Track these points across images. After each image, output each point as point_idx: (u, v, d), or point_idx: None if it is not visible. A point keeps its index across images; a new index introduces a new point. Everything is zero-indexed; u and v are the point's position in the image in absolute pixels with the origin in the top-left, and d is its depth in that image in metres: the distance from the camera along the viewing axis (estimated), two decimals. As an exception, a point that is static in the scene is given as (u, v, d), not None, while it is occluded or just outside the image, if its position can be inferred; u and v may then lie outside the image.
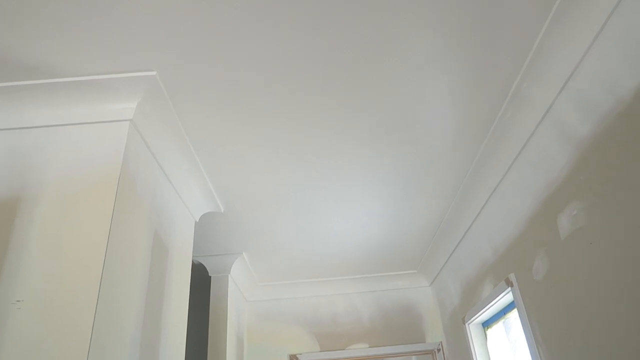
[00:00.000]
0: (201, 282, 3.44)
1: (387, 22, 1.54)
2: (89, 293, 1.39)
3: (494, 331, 2.99)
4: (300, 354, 3.84)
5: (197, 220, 2.55)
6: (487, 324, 3.06)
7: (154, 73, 1.66)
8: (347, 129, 2.06)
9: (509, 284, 2.37)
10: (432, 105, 1.96)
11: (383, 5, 1.47)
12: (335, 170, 2.40)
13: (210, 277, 3.34)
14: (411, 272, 4.08)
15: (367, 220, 3.00)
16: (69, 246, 1.46)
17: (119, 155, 1.63)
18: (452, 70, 1.77)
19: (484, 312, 2.82)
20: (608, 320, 1.62)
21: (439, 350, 3.83)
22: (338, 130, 2.08)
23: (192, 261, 3.33)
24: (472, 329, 3.10)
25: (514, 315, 2.64)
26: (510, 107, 1.95)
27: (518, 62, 1.76)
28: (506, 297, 2.54)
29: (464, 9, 1.51)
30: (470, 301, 3.06)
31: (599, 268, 1.64)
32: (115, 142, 1.66)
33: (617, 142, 1.49)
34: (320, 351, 3.86)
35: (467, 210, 2.76)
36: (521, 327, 2.31)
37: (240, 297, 3.78)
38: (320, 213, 2.84)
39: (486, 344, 3.07)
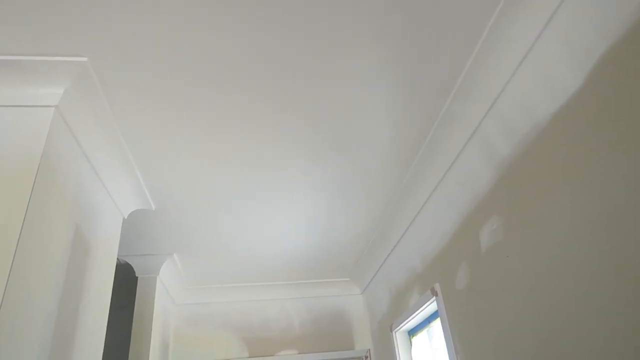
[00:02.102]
0: (127, 283, 3.29)
1: (326, 36, 1.57)
2: (-5, 285, 1.29)
3: (418, 339, 3.09)
4: (228, 359, 3.77)
5: (126, 217, 2.44)
6: (412, 332, 3.16)
7: (84, 59, 1.58)
8: (283, 137, 2.07)
9: (434, 293, 2.47)
10: (367, 120, 2.01)
11: (322, 19, 1.50)
12: (269, 177, 2.39)
13: (137, 277, 3.20)
14: (343, 280, 4.13)
15: (301, 227, 3.02)
16: (-24, 236, 1.35)
17: (41, 141, 1.54)
18: (387, 87, 1.83)
19: (410, 320, 2.91)
20: (518, 329, 1.72)
21: (366, 357, 3.90)
22: (274, 138, 2.08)
23: (119, 260, 3.19)
24: (399, 336, 3.19)
25: (437, 324, 2.75)
26: (441, 125, 2.05)
27: (450, 83, 1.85)
28: (431, 306, 2.64)
29: (400, 28, 1.57)
30: (398, 309, 3.14)
31: (513, 280, 1.75)
32: (37, 128, 1.56)
33: (533, 162, 1.61)
34: (249, 357, 3.81)
35: (399, 221, 2.85)
36: (442, 335, 2.41)
37: (169, 299, 3.65)
38: (254, 218, 2.82)
39: (411, 352, 3.17)
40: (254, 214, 2.78)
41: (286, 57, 1.65)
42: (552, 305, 1.52)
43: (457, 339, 2.24)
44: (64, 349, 1.66)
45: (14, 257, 1.34)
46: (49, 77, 1.59)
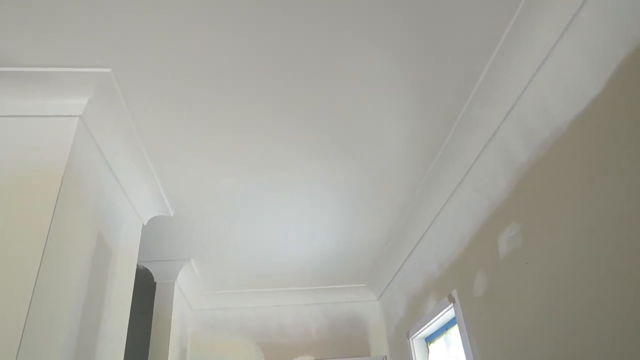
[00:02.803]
0: (146, 288, 3.34)
1: (343, 45, 1.58)
2: (23, 291, 1.33)
3: (436, 346, 3.07)
4: (244, 365, 3.78)
5: (145, 224, 2.49)
6: (429, 339, 3.14)
7: (108, 70, 1.62)
8: (296, 138, 2.09)
9: (451, 300, 2.45)
10: (383, 125, 2.02)
11: (339, 28, 1.52)
12: (286, 183, 2.42)
13: (156, 283, 3.25)
14: (360, 286, 4.12)
15: (317, 233, 3.03)
16: (7, 241, 1.40)
17: (65, 151, 1.58)
18: (403, 92, 1.83)
19: (427, 327, 2.89)
20: (537, 336, 1.70)
21: (383, 364, 3.88)
22: (291, 145, 2.10)
23: (138, 266, 3.24)
24: (416, 343, 3.17)
25: (454, 331, 2.73)
26: (458, 130, 2.04)
27: (468, 86, 1.85)
28: (448, 313, 2.62)
29: (416, 31, 1.58)
30: (415, 316, 3.13)
31: (532, 287, 1.74)
32: (62, 138, 1.61)
33: (551, 168, 1.60)
34: (265, 363, 3.82)
35: (415, 227, 2.84)
36: (460, 343, 2.39)
37: (186, 305, 3.69)
38: (271, 223, 2.84)
39: (428, 359, 3.14)
40: (270, 220, 2.80)
41: (303, 64, 1.67)
42: (572, 313, 1.51)
43: (475, 347, 2.22)
44: (88, 350, 1.70)
45: (40, 264, 1.38)
46: (73, 87, 1.64)
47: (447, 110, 1.96)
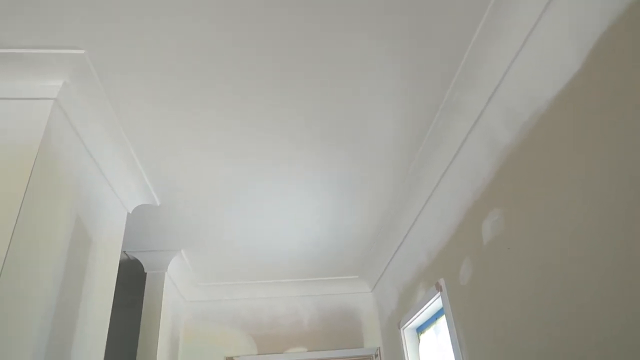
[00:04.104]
0: (136, 279, 3.33)
1: (330, 29, 1.56)
2: (-11, 273, 1.31)
3: (426, 336, 3.05)
4: (237, 356, 3.77)
5: (130, 212, 2.47)
6: (420, 329, 3.12)
7: (82, 52, 1.60)
8: (287, 131, 2.07)
9: (439, 288, 2.43)
10: (370, 113, 1.99)
11: (321, 11, 1.49)
12: (276, 171, 2.39)
13: (146, 273, 3.24)
14: (353, 278, 4.10)
15: (309, 224, 3.00)
16: (-27, 225, 1.38)
17: (39, 133, 1.56)
18: (389, 78, 1.80)
19: (417, 317, 2.87)
20: (523, 322, 1.68)
21: (376, 355, 3.86)
22: (278, 132, 2.08)
23: (127, 256, 3.23)
24: (407, 333, 3.15)
25: (443, 320, 2.70)
26: (443, 115, 2.01)
27: (450, 71, 1.81)
28: (437, 302, 2.60)
29: (400, 18, 1.55)
30: (406, 306, 3.11)
31: (516, 273, 1.71)
32: (36, 120, 1.59)
33: (535, 150, 1.57)
34: (258, 354, 3.81)
35: (405, 216, 2.81)
36: (447, 331, 2.37)
37: (178, 296, 3.68)
38: (262, 213, 2.82)
39: (418, 349, 3.12)
40: (260, 211, 2.78)
41: (290, 51, 1.64)
42: (555, 297, 1.48)
43: (461, 335, 2.19)
44: (63, 340, 1.68)
45: (8, 247, 1.36)
46: (47, 69, 1.62)
47: (432, 95, 1.93)
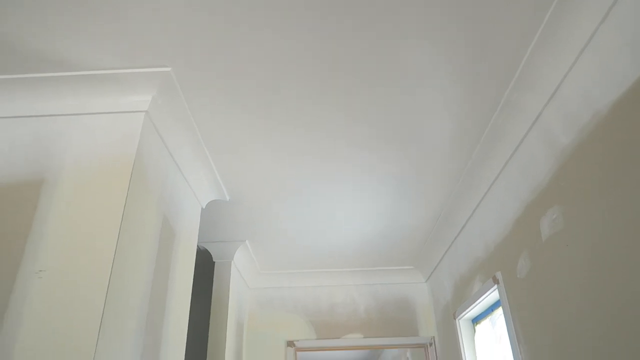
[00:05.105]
0: (205, 268, 3.60)
1: (388, 35, 1.66)
2: (102, 269, 1.54)
3: (482, 327, 3.12)
4: (297, 340, 4.00)
5: (204, 207, 2.70)
6: (476, 320, 3.19)
7: (168, 69, 1.80)
8: (346, 130, 2.20)
9: (496, 281, 2.49)
10: (429, 114, 2.08)
11: (384, 19, 1.59)
12: (336, 169, 2.54)
13: (214, 262, 3.50)
14: (408, 268, 4.20)
15: (365, 216, 3.14)
16: (86, 226, 1.61)
17: (134, 143, 1.78)
18: (447, 80, 1.89)
19: (473, 308, 2.94)
20: (580, 317, 1.74)
21: (431, 344, 3.96)
22: (337, 132, 2.21)
23: (198, 247, 3.50)
24: (462, 324, 3.23)
25: (499, 312, 2.77)
26: (501, 115, 2.07)
27: (509, 73, 1.87)
28: (493, 294, 2.66)
29: (459, 23, 1.63)
30: (462, 298, 3.18)
31: (574, 269, 1.76)
32: (130, 132, 1.81)
33: (593, 152, 1.61)
34: (317, 339, 4.01)
35: (461, 210, 2.88)
36: (504, 324, 2.44)
37: (243, 283, 3.94)
38: (321, 206, 2.98)
39: (474, 339, 3.20)
40: (319, 207, 2.95)
41: (351, 59, 1.77)
42: (613, 293, 1.53)
43: (518, 327, 2.26)
44: (157, 321, 1.92)
45: (116, 245, 1.58)
46: (139, 86, 1.83)
47: (490, 96, 1.99)
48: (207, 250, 3.49)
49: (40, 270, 1.54)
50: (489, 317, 2.96)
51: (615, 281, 1.52)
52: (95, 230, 1.61)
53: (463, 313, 3.10)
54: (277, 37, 1.67)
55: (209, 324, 3.33)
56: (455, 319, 3.28)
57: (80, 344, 1.43)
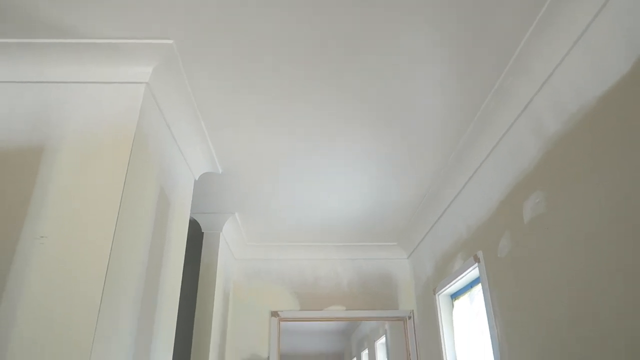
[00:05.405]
0: (194, 238, 3.65)
1: (382, 14, 1.70)
2: (104, 236, 1.58)
3: (460, 302, 3.27)
4: (281, 310, 4.12)
5: (197, 179, 2.73)
6: (455, 296, 3.34)
7: (171, 42, 1.81)
8: (338, 108, 2.24)
9: (477, 260, 2.62)
10: (421, 93, 2.14)
11: (380, 1, 1.63)
12: (325, 144, 2.59)
13: (203, 233, 3.55)
14: (391, 244, 4.33)
15: (353, 193, 3.22)
16: (87, 194, 1.65)
17: (135, 114, 1.80)
18: (442, 62, 1.94)
19: (453, 284, 3.08)
20: (554, 295, 1.86)
21: (409, 317, 4.13)
22: (330, 109, 2.25)
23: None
24: (441, 299, 3.38)
25: (478, 289, 2.91)
26: (493, 99, 2.14)
27: (504, 59, 1.93)
28: (473, 272, 2.79)
29: (457, 8, 1.67)
30: (442, 274, 3.32)
31: (552, 250, 1.88)
32: (131, 102, 1.82)
33: (578, 141, 1.70)
34: (300, 310, 4.14)
35: (447, 190, 2.98)
36: (483, 300, 2.57)
37: (230, 254, 4.01)
38: (310, 182, 3.04)
39: (452, 314, 3.35)
40: (310, 180, 3.01)
41: (345, 36, 1.80)
42: (588, 276, 1.65)
43: (496, 303, 2.39)
44: (153, 284, 1.98)
45: (118, 211, 1.63)
46: (141, 57, 1.83)
47: (484, 81, 2.05)
48: (196, 220, 3.53)
49: (42, 237, 1.58)
50: (468, 293, 3.11)
51: (590, 263, 1.63)
52: (97, 198, 1.64)
53: (443, 289, 3.24)
54: (282, 15, 1.69)
55: (196, 292, 3.41)
56: (435, 294, 3.42)
57: (83, 307, 1.48)
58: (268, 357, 3.97)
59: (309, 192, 3.20)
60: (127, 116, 1.79)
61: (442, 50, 1.87)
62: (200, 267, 3.45)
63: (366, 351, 7.57)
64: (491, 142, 2.35)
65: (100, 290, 1.50)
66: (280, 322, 4.11)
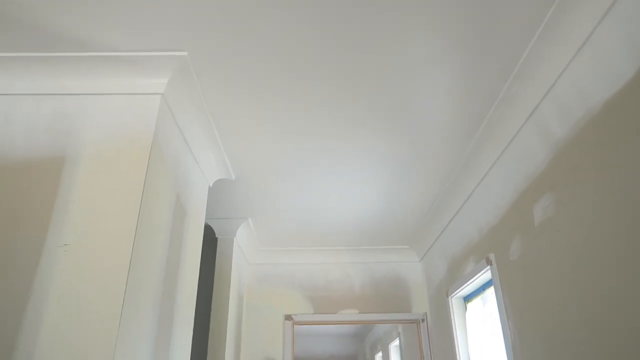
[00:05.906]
0: (208, 243, 3.71)
1: (392, 23, 1.74)
2: (125, 243, 1.64)
3: (473, 305, 3.28)
4: (295, 314, 4.16)
5: (211, 186, 2.79)
6: (467, 298, 3.35)
7: (185, 53, 1.87)
8: (350, 114, 2.28)
9: (489, 262, 2.63)
10: (429, 100, 2.17)
11: (389, 8, 1.67)
12: (336, 150, 2.63)
13: (217, 238, 3.61)
14: (403, 247, 4.35)
15: (364, 197, 3.25)
16: (108, 202, 1.71)
17: (152, 124, 1.86)
18: (449, 69, 1.97)
19: (466, 287, 3.10)
20: (564, 297, 1.88)
21: (423, 320, 4.14)
22: (341, 115, 2.30)
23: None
24: (454, 302, 3.39)
25: (490, 291, 2.92)
26: (500, 106, 2.16)
27: (509, 66, 1.96)
28: (486, 275, 2.81)
29: (464, 15, 1.71)
30: (454, 277, 3.33)
31: (562, 253, 1.89)
32: (148, 112, 1.89)
33: (585, 145, 1.72)
34: (314, 313, 4.18)
35: (458, 194, 3.00)
36: (495, 302, 2.59)
37: (243, 259, 4.07)
38: (321, 187, 3.09)
39: (465, 316, 3.36)
40: (320, 185, 3.05)
41: (355, 44, 1.84)
42: (596, 277, 1.66)
43: (508, 305, 2.41)
44: (171, 289, 2.04)
45: (137, 219, 1.68)
46: (157, 69, 1.90)
47: (490, 87, 2.08)
48: (210, 226, 3.60)
49: (65, 244, 1.64)
50: (480, 295, 3.12)
51: (601, 265, 1.65)
52: (117, 206, 1.70)
53: (455, 291, 3.25)
54: (293, 24, 1.73)
55: (211, 295, 3.47)
56: (447, 296, 3.44)
57: (106, 312, 1.54)
58: (282, 360, 4.01)
59: (321, 197, 3.24)
60: (144, 126, 1.86)
61: (449, 57, 1.90)
62: (215, 272, 3.50)
63: (380, 354, 7.58)
64: (499, 147, 2.37)
65: (122, 296, 1.56)
66: (294, 326, 4.15)
